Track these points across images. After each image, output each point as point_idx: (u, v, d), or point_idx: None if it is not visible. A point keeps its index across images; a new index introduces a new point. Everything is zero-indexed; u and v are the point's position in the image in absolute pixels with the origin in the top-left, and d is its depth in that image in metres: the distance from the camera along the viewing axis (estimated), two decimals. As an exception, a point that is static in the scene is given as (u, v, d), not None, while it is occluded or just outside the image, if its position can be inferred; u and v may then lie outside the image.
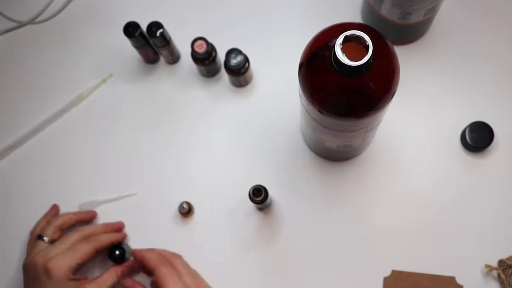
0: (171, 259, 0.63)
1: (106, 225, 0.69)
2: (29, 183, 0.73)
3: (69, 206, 0.71)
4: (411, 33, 0.72)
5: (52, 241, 0.65)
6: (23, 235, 0.70)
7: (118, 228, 0.69)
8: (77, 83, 0.75)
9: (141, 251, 0.65)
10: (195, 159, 0.72)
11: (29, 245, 0.67)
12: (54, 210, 0.70)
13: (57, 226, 0.67)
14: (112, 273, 0.64)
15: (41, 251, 0.63)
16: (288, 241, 0.69)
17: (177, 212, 0.70)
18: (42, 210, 0.71)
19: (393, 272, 0.67)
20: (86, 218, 0.70)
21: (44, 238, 0.65)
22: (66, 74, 0.76)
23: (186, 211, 0.69)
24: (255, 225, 0.70)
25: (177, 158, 0.72)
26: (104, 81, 0.75)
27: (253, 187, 0.64)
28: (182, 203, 0.69)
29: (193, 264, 0.68)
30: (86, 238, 0.65)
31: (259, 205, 0.67)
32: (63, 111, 0.75)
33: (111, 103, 0.75)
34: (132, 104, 0.75)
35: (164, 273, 0.60)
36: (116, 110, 0.75)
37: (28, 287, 0.63)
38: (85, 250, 0.63)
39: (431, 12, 0.65)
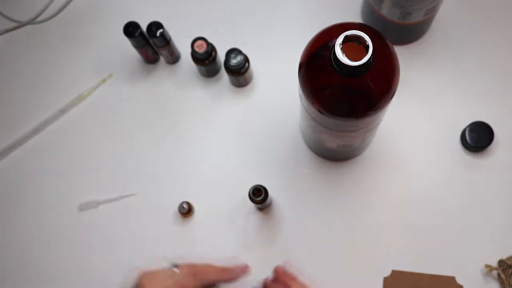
0: None
1: (222, 269, 0.59)
2: (29, 183, 0.73)
3: (69, 206, 0.71)
4: (411, 33, 0.72)
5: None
6: (23, 235, 0.71)
7: (240, 270, 0.60)
8: (77, 83, 0.75)
9: (287, 275, 0.60)
10: (195, 159, 0.72)
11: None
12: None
13: (193, 272, 0.58)
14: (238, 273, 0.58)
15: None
16: (288, 241, 0.69)
17: (177, 212, 0.70)
18: (41, 210, 0.71)
19: (393, 272, 0.67)
20: (230, 279, 0.60)
21: (174, 269, 0.57)
22: (66, 74, 0.76)
23: (186, 211, 0.69)
24: (255, 225, 0.70)
25: (177, 158, 0.72)
26: (104, 81, 0.75)
27: (253, 187, 0.64)
28: (182, 203, 0.69)
29: (193, 264, 0.68)
30: (196, 273, 0.57)
31: (259, 205, 0.67)
32: (63, 111, 0.75)
33: (111, 103, 0.75)
34: (132, 104, 0.75)
35: None
36: (116, 110, 0.75)
37: None
38: (192, 285, 0.56)
39: (431, 12, 0.65)
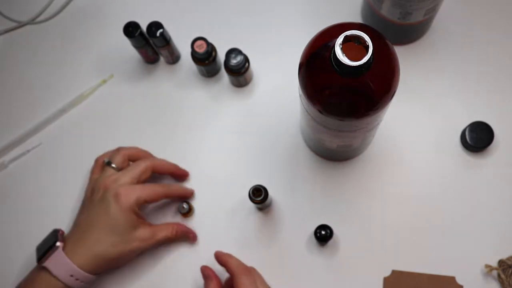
0: (250, 270, 0.63)
1: (176, 166, 0.70)
2: (29, 183, 0.73)
3: (69, 206, 0.71)
4: (411, 33, 0.72)
5: (119, 169, 0.66)
6: (23, 234, 0.71)
7: (184, 175, 0.71)
8: (77, 83, 0.75)
9: (224, 254, 0.64)
10: (195, 159, 0.72)
11: (94, 170, 0.68)
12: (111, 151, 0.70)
13: (126, 155, 0.67)
14: (169, 229, 0.66)
15: (111, 175, 0.64)
16: (288, 241, 0.69)
17: (177, 212, 0.70)
18: (41, 209, 0.71)
19: (393, 272, 0.67)
20: (157, 166, 0.68)
21: (113, 165, 0.66)
22: (66, 74, 0.76)
23: (186, 211, 0.69)
24: (255, 225, 0.70)
25: (177, 158, 0.72)
26: (104, 81, 0.75)
27: (253, 187, 0.64)
28: (182, 203, 0.69)
29: (193, 264, 0.68)
30: (162, 185, 0.67)
31: (259, 205, 0.67)
32: (63, 111, 0.75)
33: (110, 102, 0.75)
34: (132, 104, 0.75)
35: (244, 283, 0.60)
36: (115, 110, 0.75)
37: (89, 209, 0.64)
38: (157, 190, 0.65)
39: (431, 12, 0.65)
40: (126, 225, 0.62)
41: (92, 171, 0.68)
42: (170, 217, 0.70)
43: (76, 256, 0.61)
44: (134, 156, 0.68)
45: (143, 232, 0.63)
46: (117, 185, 0.63)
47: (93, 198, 0.64)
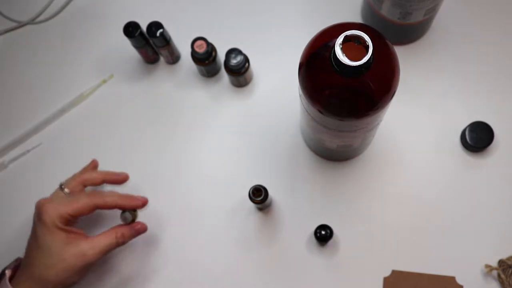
0: None
1: (121, 195, 0.63)
2: (29, 182, 0.73)
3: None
4: (411, 33, 0.72)
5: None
6: (23, 234, 0.70)
7: (140, 201, 0.64)
8: (77, 83, 0.75)
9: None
10: (195, 159, 0.72)
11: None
12: (92, 165, 0.68)
13: (80, 180, 0.64)
14: (111, 235, 0.61)
15: (52, 198, 0.62)
16: (288, 241, 0.69)
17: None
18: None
19: (393, 272, 0.67)
20: (114, 179, 0.66)
21: (65, 189, 0.63)
22: (66, 74, 0.76)
23: (129, 220, 0.66)
24: (255, 225, 0.70)
25: (177, 158, 0.72)
26: (104, 81, 0.75)
27: (253, 187, 0.64)
28: (124, 212, 0.65)
29: (193, 265, 0.68)
30: (93, 194, 0.62)
31: (259, 205, 0.67)
32: (63, 111, 0.75)
33: (110, 103, 0.75)
34: (132, 104, 0.75)
35: None
36: (115, 110, 0.75)
37: (31, 232, 0.62)
38: (82, 202, 0.60)
39: (431, 12, 0.65)
40: (55, 244, 0.58)
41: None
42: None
43: (20, 284, 0.58)
44: (89, 182, 0.64)
45: (77, 248, 0.58)
46: (42, 204, 0.59)
47: (33, 218, 0.61)
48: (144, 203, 0.64)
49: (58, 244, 0.58)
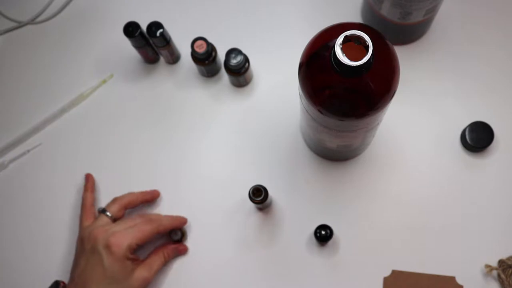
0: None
1: (172, 216, 0.68)
2: (29, 183, 0.73)
3: (68, 206, 0.71)
4: (411, 33, 0.72)
5: (115, 219, 0.65)
6: (22, 234, 0.70)
7: (185, 219, 0.69)
8: (77, 83, 0.75)
9: None
10: (195, 159, 0.72)
11: (85, 217, 0.66)
12: (91, 182, 0.70)
13: (123, 205, 0.66)
14: (160, 255, 0.66)
15: (103, 225, 0.63)
16: (288, 241, 0.69)
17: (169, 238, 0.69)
18: (41, 209, 0.71)
19: (393, 272, 0.67)
20: (150, 198, 0.69)
21: (108, 213, 0.65)
22: (66, 74, 0.76)
23: (179, 238, 0.68)
24: (255, 225, 0.70)
25: (177, 158, 0.72)
26: (104, 81, 0.75)
27: (253, 187, 0.64)
28: (174, 230, 0.68)
29: (193, 265, 0.68)
30: (149, 220, 0.65)
31: (259, 205, 0.67)
32: (63, 111, 0.75)
33: (110, 103, 0.75)
34: (132, 104, 0.75)
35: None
36: (115, 110, 0.75)
37: (81, 259, 0.62)
38: (146, 231, 0.63)
39: (431, 12, 0.65)
40: (123, 273, 0.61)
41: (82, 218, 0.67)
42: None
43: None
44: (131, 204, 0.67)
45: (140, 273, 0.63)
46: (109, 235, 0.62)
47: (84, 248, 0.63)
48: (186, 222, 0.70)
49: (126, 272, 0.62)
